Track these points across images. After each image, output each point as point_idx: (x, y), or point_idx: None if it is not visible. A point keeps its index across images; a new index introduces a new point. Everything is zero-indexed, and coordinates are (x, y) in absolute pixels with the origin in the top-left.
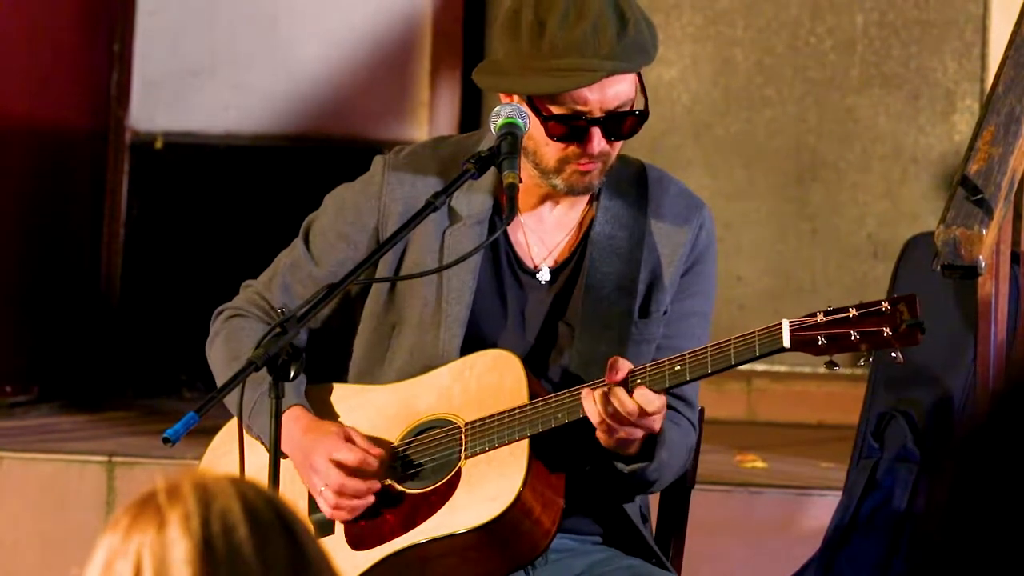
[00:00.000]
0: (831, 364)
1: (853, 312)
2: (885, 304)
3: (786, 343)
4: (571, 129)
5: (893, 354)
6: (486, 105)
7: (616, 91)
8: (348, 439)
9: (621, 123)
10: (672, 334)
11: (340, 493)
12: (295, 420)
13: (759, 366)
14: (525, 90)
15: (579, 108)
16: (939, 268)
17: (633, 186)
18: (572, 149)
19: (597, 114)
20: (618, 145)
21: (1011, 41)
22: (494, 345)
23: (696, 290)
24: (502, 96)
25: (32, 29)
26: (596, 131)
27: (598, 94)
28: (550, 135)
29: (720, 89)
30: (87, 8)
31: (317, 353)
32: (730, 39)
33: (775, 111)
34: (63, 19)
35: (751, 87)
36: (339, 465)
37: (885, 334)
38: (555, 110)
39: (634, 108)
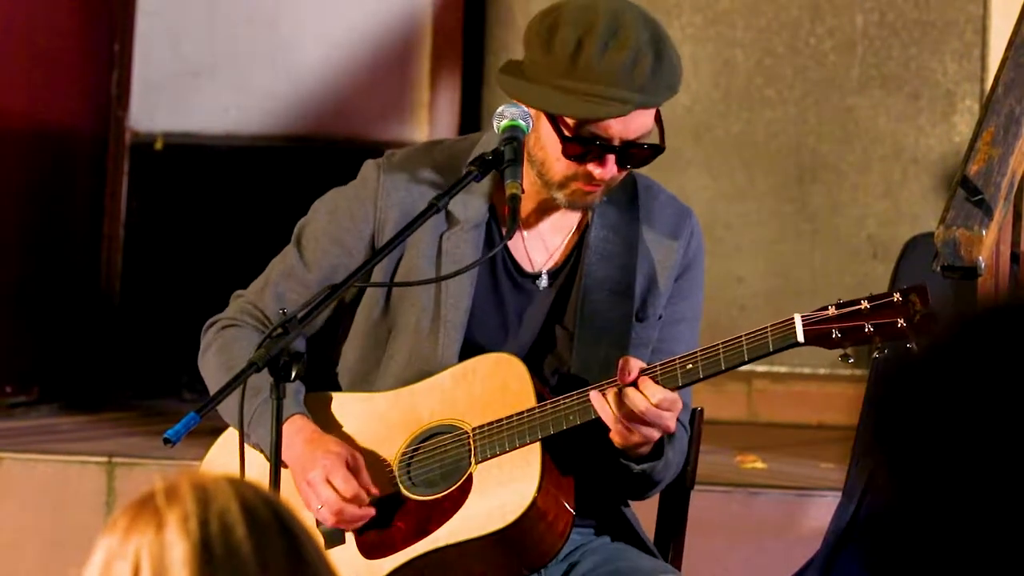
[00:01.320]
0: (845, 357)
1: (865, 304)
2: (897, 296)
3: (800, 338)
4: (587, 153)
5: (909, 345)
6: (486, 106)
7: (639, 123)
8: (349, 466)
9: (636, 154)
10: (664, 338)
11: (338, 516)
12: (297, 431)
13: (759, 367)
14: (554, 109)
15: (600, 135)
16: (939, 269)
17: (623, 193)
18: (582, 170)
19: (616, 142)
20: (625, 172)
21: (1011, 42)
22: (492, 349)
23: (687, 295)
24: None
25: (32, 29)
26: (611, 158)
27: (622, 125)
28: (565, 154)
29: (720, 90)
30: (87, 8)
31: (308, 359)
32: (730, 40)
33: (775, 112)
34: (63, 19)
35: (751, 88)
36: (335, 489)
37: (899, 325)
38: (578, 132)
39: (649, 140)
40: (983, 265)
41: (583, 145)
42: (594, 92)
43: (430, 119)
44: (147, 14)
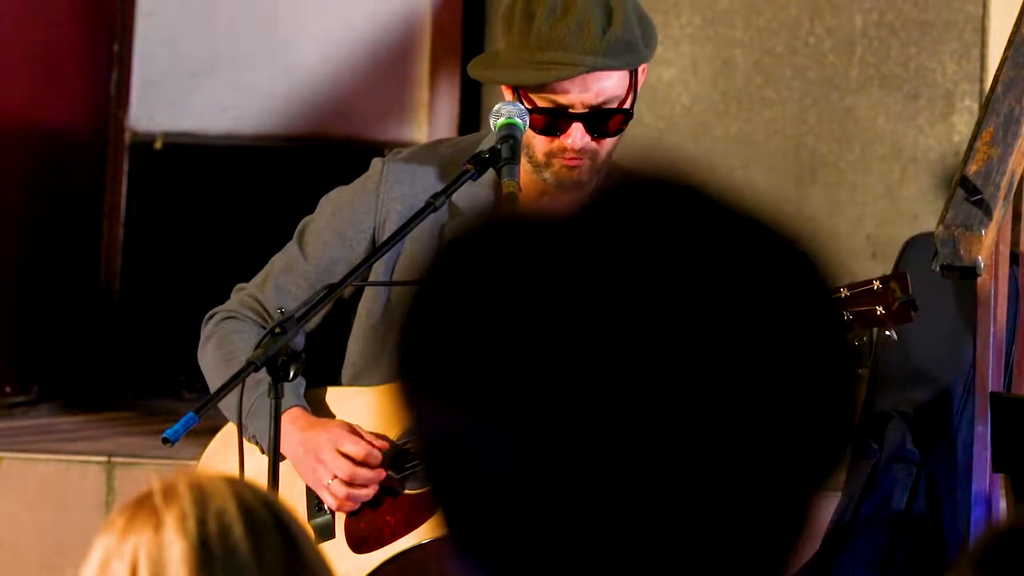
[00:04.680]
0: None
1: (844, 292)
2: (876, 283)
3: None
4: (552, 123)
5: (887, 332)
6: (486, 106)
7: (600, 88)
8: (353, 432)
9: (604, 120)
10: None
11: (350, 483)
12: (293, 420)
13: None
14: (508, 80)
15: (561, 102)
16: (938, 268)
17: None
18: (557, 143)
19: (579, 109)
20: (606, 143)
21: (1010, 42)
22: None
23: None
24: (504, 93)
25: (31, 29)
26: (577, 126)
27: (580, 89)
28: (532, 127)
29: (719, 90)
30: (87, 8)
31: (309, 355)
32: (729, 40)
33: (774, 112)
34: (63, 19)
35: (750, 88)
36: (346, 456)
37: (878, 312)
38: (539, 103)
39: (622, 106)
40: (982, 265)
41: (545, 115)
42: (544, 59)
43: (430, 119)
44: (146, 14)
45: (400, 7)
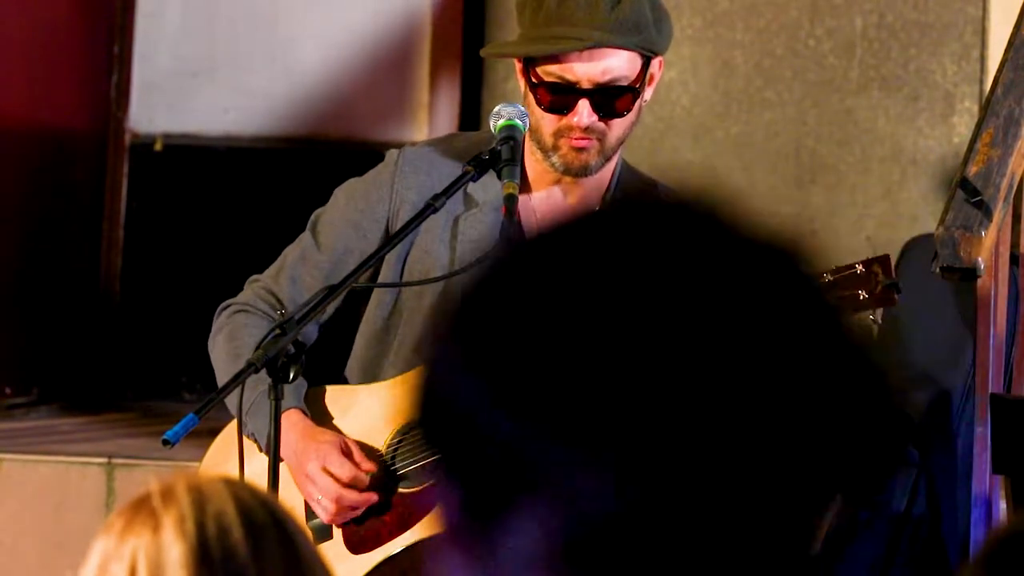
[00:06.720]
0: None
1: (828, 277)
2: (859, 267)
3: None
4: (559, 100)
5: (871, 317)
6: (486, 106)
7: (606, 65)
8: (343, 451)
9: (611, 98)
10: None
11: (338, 503)
12: (292, 425)
13: None
14: (515, 52)
15: (567, 78)
16: (938, 270)
17: (644, 198)
18: (564, 121)
19: (586, 86)
20: (614, 124)
21: (1010, 43)
22: None
23: None
24: (519, 81)
25: (32, 30)
26: (583, 103)
27: (586, 65)
28: (539, 103)
29: (719, 91)
30: (87, 9)
31: (321, 350)
32: (729, 41)
33: (774, 113)
34: (63, 20)
35: (750, 89)
36: (332, 476)
37: (861, 297)
38: (545, 78)
39: (631, 87)
40: (982, 266)
41: (552, 92)
42: (551, 34)
43: (430, 120)
44: (146, 15)
45: (400, 8)
